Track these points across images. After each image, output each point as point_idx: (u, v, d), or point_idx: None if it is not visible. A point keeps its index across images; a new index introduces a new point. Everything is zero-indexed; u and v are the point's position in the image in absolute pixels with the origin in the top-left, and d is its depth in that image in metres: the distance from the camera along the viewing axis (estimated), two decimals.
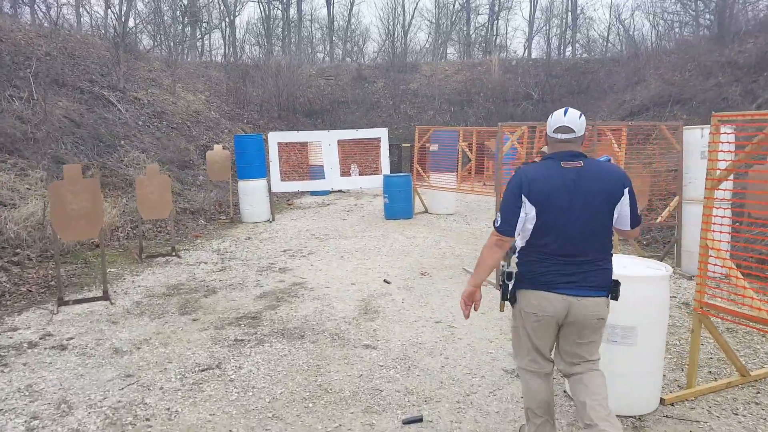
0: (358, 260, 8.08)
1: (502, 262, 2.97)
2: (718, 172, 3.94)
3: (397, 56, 28.35)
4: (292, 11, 34.93)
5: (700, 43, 18.57)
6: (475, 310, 2.95)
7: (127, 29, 19.57)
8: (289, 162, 16.97)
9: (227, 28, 33.92)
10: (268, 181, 11.94)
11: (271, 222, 11.68)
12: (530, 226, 2.76)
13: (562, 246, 2.72)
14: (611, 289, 2.80)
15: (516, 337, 2.97)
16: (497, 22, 34.94)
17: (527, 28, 35.76)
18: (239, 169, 11.80)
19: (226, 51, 32.44)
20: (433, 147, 11.95)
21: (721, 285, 4.17)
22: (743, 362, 4.08)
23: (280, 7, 34.72)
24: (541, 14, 35.37)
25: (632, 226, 2.83)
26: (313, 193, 15.77)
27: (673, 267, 7.59)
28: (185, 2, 30.91)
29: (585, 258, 2.73)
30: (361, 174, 18.31)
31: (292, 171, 15.96)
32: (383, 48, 32.64)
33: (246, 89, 23.60)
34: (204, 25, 32.88)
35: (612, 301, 2.87)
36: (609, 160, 2.97)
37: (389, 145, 12.90)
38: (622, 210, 2.77)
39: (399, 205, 11.43)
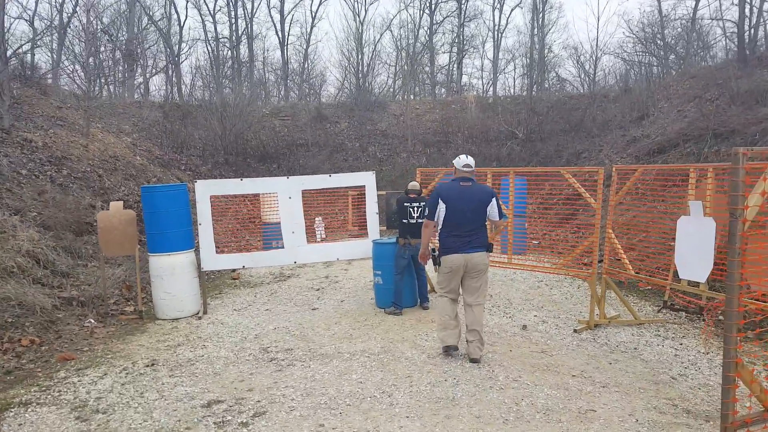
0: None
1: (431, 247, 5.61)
2: None
3: (362, 93, 24.52)
4: (243, 50, 30.97)
5: (725, 68, 15.43)
6: (428, 258, 5.64)
7: (16, 48, 14.99)
8: (238, 218, 12.61)
9: (173, 72, 29.51)
10: (197, 255, 7.62)
11: (200, 318, 7.28)
12: (442, 217, 5.09)
13: (459, 226, 5.05)
14: (488, 247, 5.17)
15: (442, 281, 5.28)
16: (462, 62, 31.90)
17: (492, 68, 32.95)
18: (149, 238, 7.42)
19: (168, 91, 28.02)
20: None
21: None
22: None
23: (228, 45, 30.69)
24: (503, 55, 32.67)
25: (499, 218, 5.21)
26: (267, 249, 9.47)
27: None
28: (122, 41, 26.61)
29: (471, 232, 5.06)
30: (327, 228, 14.05)
31: (237, 231, 11.59)
32: (344, 86, 28.86)
33: (186, 130, 19.25)
34: (147, 68, 28.48)
35: None
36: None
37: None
38: (491, 209, 5.13)
39: (407, 286, 7.24)
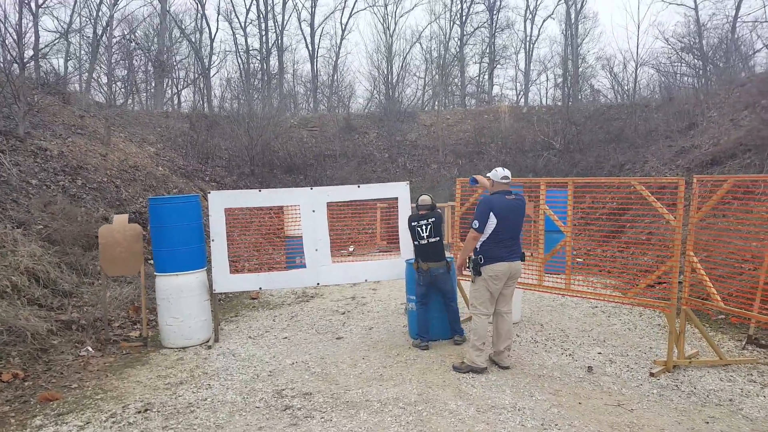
0: None
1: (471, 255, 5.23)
2: None
3: (393, 103, 23.58)
4: (273, 62, 30.38)
5: None
6: (465, 268, 5.39)
7: (34, 53, 14.43)
8: (261, 231, 11.66)
9: (203, 84, 28.98)
10: (209, 275, 6.67)
11: (210, 347, 6.30)
12: (491, 228, 5.07)
13: (505, 237, 5.09)
14: (522, 256, 5.30)
15: (478, 294, 5.20)
16: (493, 72, 30.75)
17: (523, 78, 31.73)
18: (155, 256, 6.49)
19: (197, 102, 27.50)
20: None
21: None
22: None
23: (258, 57, 30.14)
24: (535, 66, 31.47)
25: None
26: (290, 267, 8.27)
27: None
28: (152, 51, 26.21)
29: (513, 242, 5.17)
30: (354, 242, 13.02)
31: (261, 245, 10.65)
32: (373, 97, 27.97)
33: (213, 141, 18.55)
34: (178, 80, 28.03)
35: None
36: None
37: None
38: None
39: (436, 315, 6.17)
